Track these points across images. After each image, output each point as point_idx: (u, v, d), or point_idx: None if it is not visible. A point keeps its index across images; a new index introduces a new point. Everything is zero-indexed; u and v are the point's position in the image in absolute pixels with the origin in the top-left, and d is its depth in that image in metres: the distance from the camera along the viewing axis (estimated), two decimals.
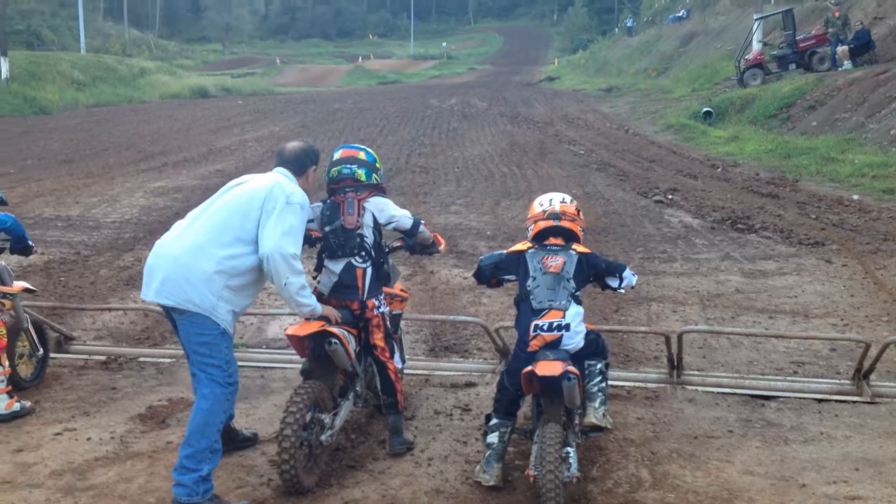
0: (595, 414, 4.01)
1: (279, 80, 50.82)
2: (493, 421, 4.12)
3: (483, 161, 17.27)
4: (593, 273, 4.37)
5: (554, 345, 4.00)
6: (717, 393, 5.19)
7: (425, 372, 5.64)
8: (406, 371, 5.52)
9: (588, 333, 4.20)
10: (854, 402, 5.00)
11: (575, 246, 4.33)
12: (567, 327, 4.04)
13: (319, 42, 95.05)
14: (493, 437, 4.06)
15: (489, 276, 4.52)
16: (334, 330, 4.16)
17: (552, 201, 4.46)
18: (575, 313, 4.12)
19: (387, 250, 4.85)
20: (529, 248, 4.36)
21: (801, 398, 5.10)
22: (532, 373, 3.83)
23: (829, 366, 5.77)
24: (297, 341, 4.22)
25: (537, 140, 20.75)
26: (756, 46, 26.57)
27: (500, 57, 73.93)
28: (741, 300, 7.43)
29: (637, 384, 5.40)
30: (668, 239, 10.10)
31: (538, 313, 4.08)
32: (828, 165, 14.61)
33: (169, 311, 3.96)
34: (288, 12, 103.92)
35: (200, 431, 3.74)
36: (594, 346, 4.22)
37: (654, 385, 5.35)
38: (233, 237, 3.86)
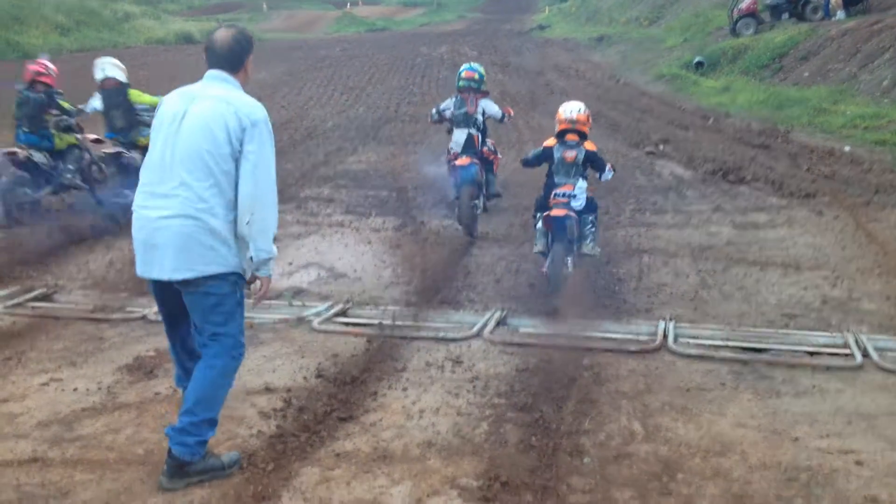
0: (586, 247, 6.40)
1: (265, 26, 49.97)
2: (537, 219, 6.57)
3: None
4: (591, 164, 6.55)
5: (564, 204, 6.28)
6: (709, 345, 5.17)
7: (416, 323, 5.59)
8: (396, 322, 5.50)
9: (589, 198, 6.48)
10: (846, 354, 4.98)
11: (586, 144, 6.49)
12: (574, 196, 6.34)
13: None
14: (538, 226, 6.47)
15: (533, 164, 6.81)
16: None
17: (571, 111, 6.54)
18: (580, 186, 6.40)
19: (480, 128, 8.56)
20: (555, 143, 6.51)
21: (792, 350, 5.09)
22: (548, 215, 6.22)
23: (821, 318, 5.76)
24: None
25: (528, 90, 20.52)
26: None
27: (490, 4, 72.81)
28: (732, 252, 7.40)
29: (629, 335, 5.38)
30: (659, 190, 10.04)
31: (558, 185, 6.41)
32: (819, 116, 14.51)
33: (164, 286, 3.65)
34: None
35: (206, 402, 3.59)
36: (590, 205, 6.51)
37: (645, 337, 5.33)
38: (220, 173, 3.52)
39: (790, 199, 9.26)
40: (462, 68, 8.77)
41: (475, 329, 5.44)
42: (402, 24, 54.26)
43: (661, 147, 12.62)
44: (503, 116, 8.79)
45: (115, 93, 8.91)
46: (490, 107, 8.64)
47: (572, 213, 6.24)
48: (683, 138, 13.42)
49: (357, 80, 22.70)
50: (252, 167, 3.53)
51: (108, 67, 9.04)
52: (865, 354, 4.93)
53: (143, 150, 5.68)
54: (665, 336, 5.26)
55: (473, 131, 8.42)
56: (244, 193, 3.53)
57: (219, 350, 3.64)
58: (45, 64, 9.42)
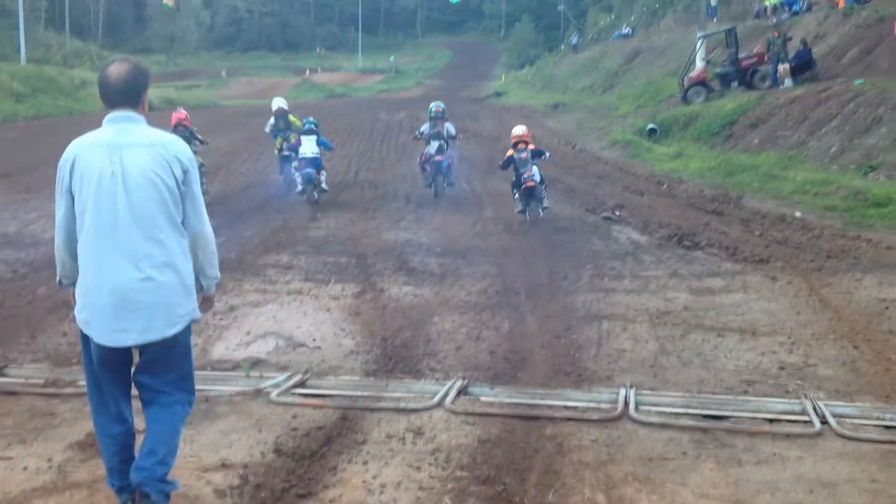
0: (544, 202, 11.91)
1: (225, 93, 50.30)
2: (515, 193, 11.96)
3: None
4: (536, 156, 11.83)
5: (530, 177, 11.49)
6: (670, 413, 5.18)
7: (376, 393, 5.52)
8: (356, 393, 5.44)
9: (541, 176, 11.82)
10: (805, 421, 5.01)
11: (530, 146, 11.88)
12: (532, 176, 11.52)
13: (266, 54, 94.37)
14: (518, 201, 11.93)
15: (506, 167, 12.05)
16: None
17: (519, 131, 12.13)
18: (535, 170, 11.64)
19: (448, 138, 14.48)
20: (513, 152, 11.83)
21: (752, 418, 5.11)
22: (524, 188, 11.56)
23: (779, 384, 5.80)
24: None
25: (486, 155, 20.74)
26: (699, 64, 27.01)
27: (448, 71, 74.25)
28: (690, 318, 7.47)
29: (591, 404, 5.36)
30: (616, 255, 10.15)
31: (522, 172, 11.57)
32: (770, 182, 14.87)
33: (120, 352, 3.49)
34: (234, 24, 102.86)
35: (167, 448, 3.55)
36: (542, 179, 11.76)
37: (607, 405, 5.32)
38: (168, 219, 3.48)
39: (744, 265, 9.42)
40: (432, 105, 15.17)
41: (436, 399, 5.38)
42: (361, 91, 55.02)
43: (618, 212, 12.80)
44: (456, 134, 15.27)
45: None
46: (451, 128, 14.96)
47: (536, 183, 11.64)
48: (639, 204, 13.64)
49: None
50: (195, 204, 3.58)
51: (278, 101, 16.29)
52: (824, 421, 4.96)
53: None
54: (626, 404, 5.25)
55: (442, 142, 14.39)
56: (194, 231, 3.57)
57: (181, 396, 3.63)
58: (185, 113, 14.06)
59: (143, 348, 3.53)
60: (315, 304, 8.01)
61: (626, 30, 54.86)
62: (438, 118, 14.53)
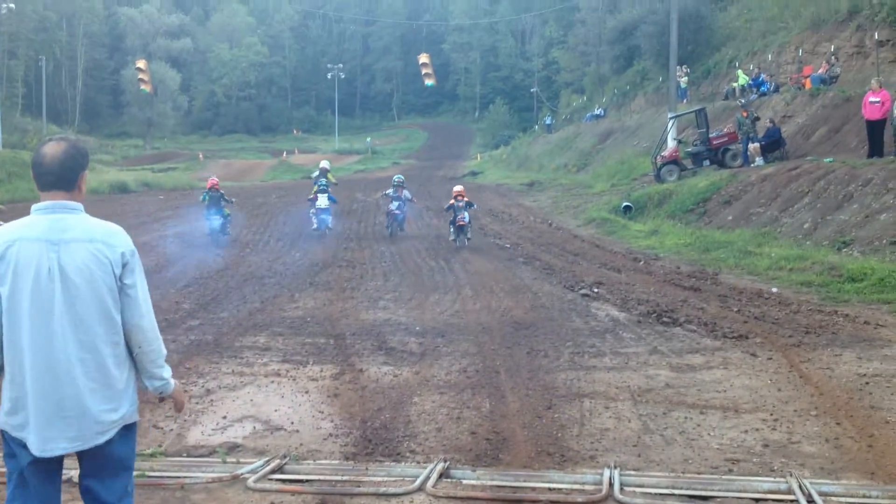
0: (467, 235, 18.68)
1: (202, 175, 50.41)
2: (451, 228, 18.92)
3: (410, 255, 17.27)
4: (468, 205, 18.71)
5: (462, 219, 18.41)
6: (655, 494, 5.09)
7: (356, 478, 5.40)
8: (335, 477, 5.32)
9: (469, 218, 18.61)
10: (791, 501, 4.94)
11: (465, 198, 18.89)
12: (464, 217, 18.28)
13: (243, 137, 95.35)
14: (452, 233, 18.97)
15: (448, 210, 19.03)
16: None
17: (458, 188, 19.93)
18: (466, 214, 18.36)
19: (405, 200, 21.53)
20: (453, 201, 18.69)
21: (738, 498, 5.03)
22: (458, 225, 18.43)
23: (763, 462, 5.74)
24: None
25: None
26: (671, 144, 27.56)
27: (424, 152, 75.24)
28: (672, 395, 7.42)
29: (575, 486, 5.27)
30: (596, 333, 10.13)
31: (458, 214, 18.38)
32: (746, 259, 15.02)
33: (53, 461, 3.27)
34: (211, 108, 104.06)
35: None
36: (469, 220, 18.49)
37: (591, 487, 5.22)
38: (105, 322, 3.28)
39: (724, 341, 9.42)
40: (395, 176, 22.58)
41: (417, 483, 5.26)
42: (339, 171, 55.25)
43: (596, 289, 12.83)
44: (411, 198, 21.79)
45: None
46: (407, 193, 21.42)
47: (465, 223, 18.16)
48: (616, 280, 13.70)
49: (293, 226, 22.84)
50: (134, 300, 3.32)
51: (324, 162, 24.66)
52: (811, 500, 4.89)
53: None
54: (611, 485, 5.16)
55: (400, 202, 20.95)
56: (132, 325, 3.32)
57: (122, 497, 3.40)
58: (216, 180, 21.25)
59: (80, 455, 3.32)
60: (293, 387, 7.88)
61: (598, 111, 56.07)
62: (399, 186, 21.31)
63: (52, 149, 3.31)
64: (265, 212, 27.32)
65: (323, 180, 22.20)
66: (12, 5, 48.26)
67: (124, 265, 3.31)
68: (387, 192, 21.71)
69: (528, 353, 9.08)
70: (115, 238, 3.33)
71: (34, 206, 3.32)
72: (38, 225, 3.26)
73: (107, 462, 3.34)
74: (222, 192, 20.44)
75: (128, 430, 3.39)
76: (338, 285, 13.85)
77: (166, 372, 3.49)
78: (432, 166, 55.93)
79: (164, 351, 3.48)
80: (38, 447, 3.19)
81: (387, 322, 10.92)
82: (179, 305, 11.89)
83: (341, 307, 12.00)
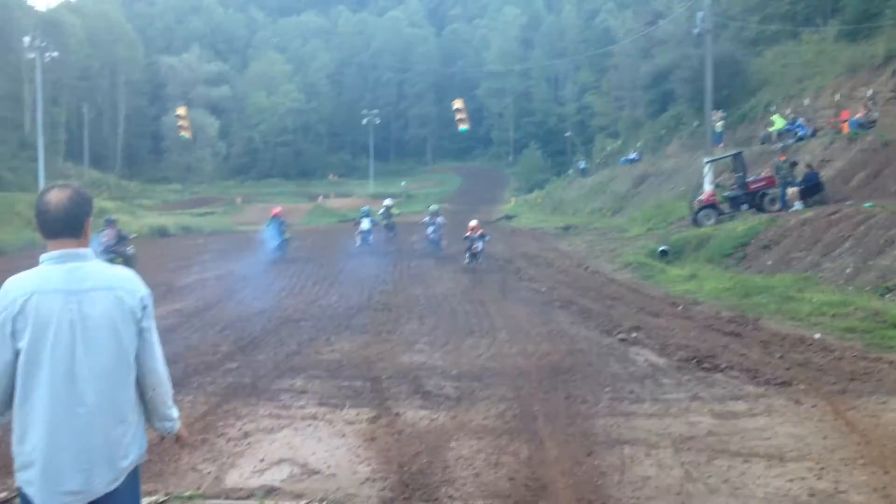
0: (479, 261, 22.97)
1: (240, 219, 51.17)
2: (467, 254, 23.20)
3: (446, 298, 17.25)
4: (482, 237, 23.10)
5: (478, 248, 22.95)
6: None
7: None
8: None
9: (483, 246, 23.07)
10: None
11: (480, 231, 23.21)
12: (478, 246, 22.77)
13: (280, 182, 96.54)
14: (467, 258, 23.22)
15: (465, 240, 23.30)
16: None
17: (474, 222, 23.82)
18: (480, 243, 22.86)
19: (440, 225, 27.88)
20: (470, 233, 22.98)
21: None
22: (472, 252, 22.84)
23: None
24: None
25: (498, 277, 20.87)
26: (708, 188, 27.43)
27: (457, 196, 75.49)
28: (714, 443, 7.28)
29: None
30: (635, 378, 9.99)
31: (473, 243, 22.83)
32: (787, 304, 14.78)
33: None
34: (249, 153, 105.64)
35: None
36: (482, 248, 23.03)
37: None
38: (123, 370, 3.29)
39: (767, 388, 9.24)
40: (431, 206, 29.54)
41: None
42: (374, 215, 55.77)
43: (634, 334, 12.69)
44: (444, 223, 27.81)
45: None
46: (442, 220, 27.51)
47: (479, 251, 22.67)
48: (655, 325, 13.55)
49: (329, 270, 22.98)
50: (151, 344, 3.35)
51: (388, 201, 32.95)
52: None
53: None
54: None
55: (436, 227, 27.12)
56: (147, 369, 3.34)
57: None
58: (280, 209, 28.80)
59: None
60: (330, 430, 7.86)
61: (633, 155, 56.07)
62: (434, 214, 27.54)
63: (57, 196, 3.25)
64: (301, 255, 27.52)
65: (376, 214, 31.20)
66: (55, 54, 49.55)
67: (143, 308, 3.33)
68: (424, 219, 27.98)
69: (566, 398, 8.98)
70: (132, 283, 3.35)
71: (45, 256, 3.28)
72: (54, 276, 3.20)
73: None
74: (283, 218, 28.03)
75: (133, 474, 3.37)
76: (374, 328, 13.85)
77: (176, 412, 3.52)
78: (466, 210, 56.02)
79: (171, 392, 3.50)
80: (53, 500, 3.14)
81: (423, 366, 10.87)
82: (217, 348, 11.96)
83: (377, 350, 11.99)
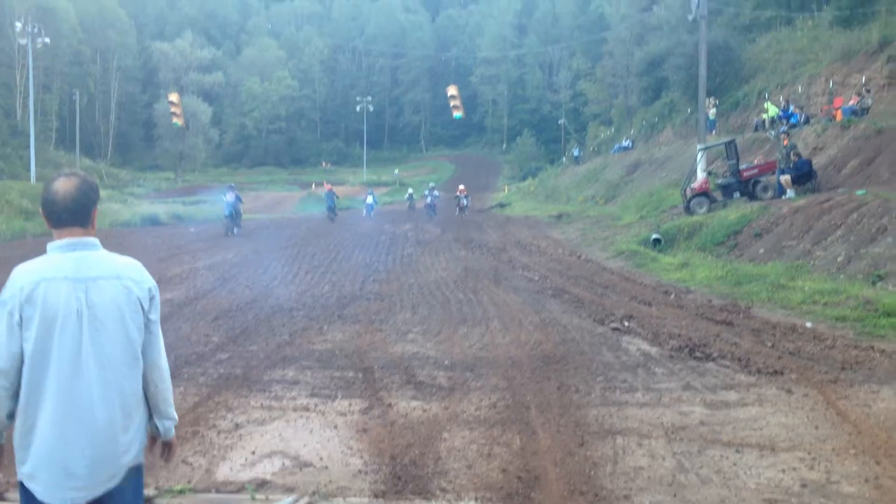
0: (465, 212, 42.87)
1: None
2: (456, 210, 42.84)
3: (438, 287, 17.23)
4: (465, 196, 44.54)
5: (462, 203, 44.21)
6: None
7: None
8: None
9: (468, 202, 44.34)
10: None
11: (465, 192, 45.27)
12: (463, 202, 43.79)
13: (272, 170, 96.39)
14: (456, 211, 44.46)
15: (455, 199, 44.64)
16: None
17: (461, 186, 45.68)
18: (465, 200, 44.06)
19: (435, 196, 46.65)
20: (457, 193, 44.82)
21: None
22: (459, 206, 43.41)
23: (802, 503, 5.61)
24: None
25: (491, 266, 20.85)
26: (700, 175, 27.41)
27: (451, 183, 75.39)
28: (706, 433, 7.28)
29: None
30: (627, 367, 10.00)
31: (460, 202, 43.65)
32: (778, 292, 14.81)
33: None
34: (241, 140, 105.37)
35: None
36: (467, 203, 43.91)
37: None
38: (130, 361, 3.25)
39: (758, 377, 9.25)
40: (429, 184, 49.68)
41: None
42: (358, 203, 55.72)
43: (626, 323, 12.70)
44: (438, 195, 46.25)
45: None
46: (436, 192, 45.74)
47: (464, 206, 43.38)
48: (647, 314, 13.55)
49: (322, 258, 22.93)
50: (156, 337, 3.34)
51: (410, 189, 54.79)
52: None
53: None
54: None
55: (434, 197, 44.53)
56: (151, 363, 3.31)
57: None
58: (330, 185, 47.27)
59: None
60: (322, 421, 7.84)
61: (626, 142, 56.07)
62: (431, 189, 44.17)
63: (64, 185, 3.23)
64: (294, 244, 27.46)
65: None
66: (47, 40, 49.25)
67: (151, 300, 3.31)
68: (424, 192, 42.06)
69: (559, 388, 8.98)
70: (140, 274, 3.32)
71: (52, 245, 3.25)
72: (63, 264, 3.17)
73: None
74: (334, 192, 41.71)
75: (137, 472, 3.33)
76: (366, 318, 13.82)
77: (175, 413, 3.48)
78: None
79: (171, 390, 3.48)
80: (56, 496, 3.11)
81: (415, 355, 10.86)
82: (209, 338, 11.92)
83: (370, 340, 11.97)
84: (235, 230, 31.82)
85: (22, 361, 3.11)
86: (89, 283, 3.16)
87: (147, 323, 3.30)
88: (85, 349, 3.12)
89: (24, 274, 3.15)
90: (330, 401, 8.60)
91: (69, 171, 3.36)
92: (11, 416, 3.18)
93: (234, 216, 32.06)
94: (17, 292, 3.10)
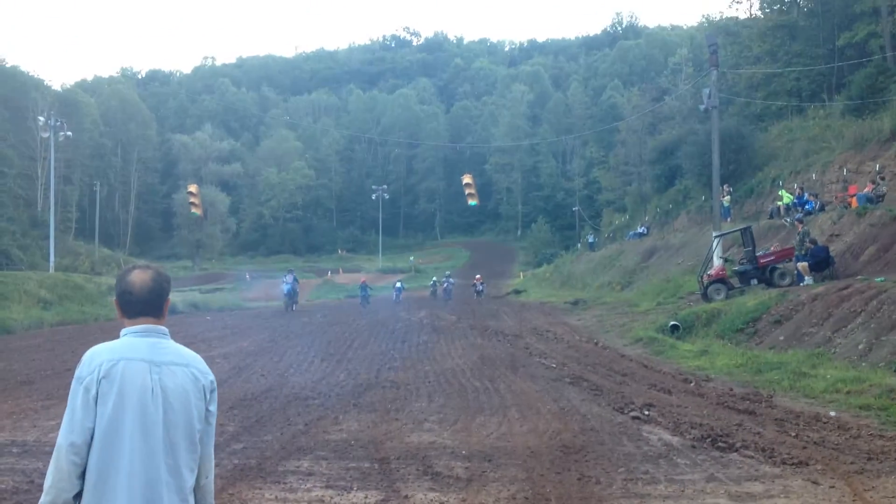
0: (482, 297, 48.51)
1: (249, 295, 51.17)
2: (474, 294, 50.47)
3: (455, 375, 17.09)
4: (482, 284, 51.22)
5: (479, 289, 50.99)
6: None
7: None
8: None
9: (483, 288, 50.90)
10: None
11: (481, 280, 51.96)
12: (480, 289, 50.04)
13: (289, 257, 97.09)
14: (474, 295, 48.96)
15: (472, 287, 51.63)
16: None
17: (477, 276, 52.27)
18: (482, 286, 49.99)
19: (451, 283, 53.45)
20: (474, 282, 50.61)
21: None
22: (476, 291, 49.54)
23: None
24: None
25: (508, 353, 20.70)
26: (717, 262, 27.37)
27: (466, 270, 75.59)
28: None
29: None
30: (648, 458, 9.79)
31: (477, 289, 50.47)
32: (800, 380, 14.59)
33: None
34: (259, 229, 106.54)
35: None
36: (483, 289, 49.82)
37: None
38: (191, 447, 3.27)
39: (783, 468, 9.04)
40: (446, 271, 56.97)
41: None
42: (382, 290, 55.77)
43: (647, 412, 12.50)
44: (454, 282, 51.46)
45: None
46: (451, 279, 50.96)
47: (481, 290, 49.84)
48: (667, 402, 13.35)
49: (337, 346, 22.87)
50: (212, 427, 3.43)
51: (435, 278, 54.55)
52: None
53: None
54: None
55: (450, 284, 49.32)
56: (206, 454, 3.35)
57: None
58: (364, 277, 51.17)
59: None
60: None
61: (641, 229, 56.25)
62: (448, 277, 48.75)
63: (141, 277, 3.36)
64: (309, 331, 27.43)
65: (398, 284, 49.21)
66: (69, 133, 50.45)
67: (212, 391, 3.41)
68: (441, 280, 47.39)
69: (579, 479, 8.79)
70: (203, 365, 3.46)
71: (127, 329, 3.34)
72: (139, 346, 3.27)
73: None
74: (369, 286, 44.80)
75: None
76: (382, 407, 13.68)
77: None
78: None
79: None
80: None
81: (432, 445, 10.70)
82: (224, 428, 11.80)
83: (386, 429, 11.82)
84: (294, 307, 37.24)
85: (92, 438, 3.11)
86: (163, 367, 3.25)
87: (207, 414, 3.37)
88: (159, 431, 3.16)
89: (103, 352, 3.23)
90: (345, 492, 8.45)
91: (143, 265, 3.51)
92: (79, 496, 3.14)
93: (293, 294, 37.36)
94: (95, 368, 3.16)
